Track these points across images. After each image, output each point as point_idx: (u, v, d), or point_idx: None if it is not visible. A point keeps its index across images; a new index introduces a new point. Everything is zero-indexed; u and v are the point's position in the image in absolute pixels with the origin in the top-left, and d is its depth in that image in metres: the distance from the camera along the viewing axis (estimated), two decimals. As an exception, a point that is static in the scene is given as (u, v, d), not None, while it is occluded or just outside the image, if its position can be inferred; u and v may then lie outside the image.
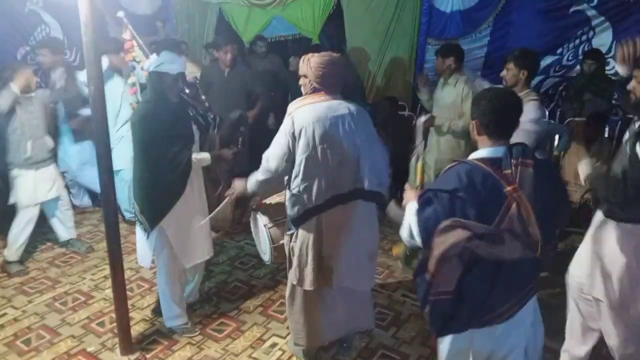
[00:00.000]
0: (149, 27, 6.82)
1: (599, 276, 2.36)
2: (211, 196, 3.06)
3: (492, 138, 1.88)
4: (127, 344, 2.90)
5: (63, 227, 4.20)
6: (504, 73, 3.18)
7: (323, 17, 5.82)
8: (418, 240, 1.85)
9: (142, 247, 3.02)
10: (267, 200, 2.86)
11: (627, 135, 2.28)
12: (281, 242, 2.70)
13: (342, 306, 2.69)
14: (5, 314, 3.34)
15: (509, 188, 1.77)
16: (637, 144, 2.13)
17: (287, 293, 2.70)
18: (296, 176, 2.41)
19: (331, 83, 2.45)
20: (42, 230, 4.67)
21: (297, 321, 2.69)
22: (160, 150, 2.72)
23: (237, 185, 2.74)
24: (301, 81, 2.51)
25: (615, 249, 2.29)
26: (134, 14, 6.99)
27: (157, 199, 2.82)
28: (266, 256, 2.83)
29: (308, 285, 2.51)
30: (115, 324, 2.93)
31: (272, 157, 2.46)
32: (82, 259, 4.12)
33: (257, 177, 2.58)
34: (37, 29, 6.23)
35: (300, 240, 2.49)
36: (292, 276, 2.58)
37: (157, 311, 3.29)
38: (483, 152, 1.89)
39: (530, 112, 2.92)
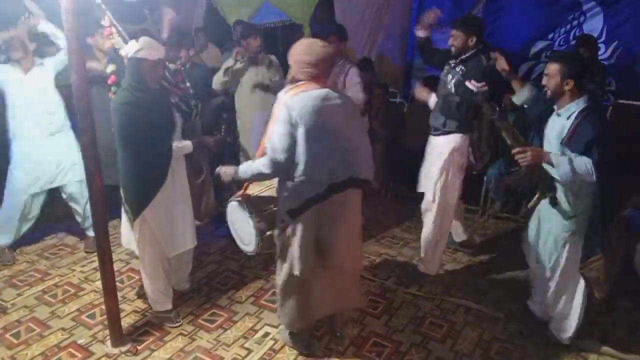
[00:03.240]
0: (137, 14, 6.70)
1: None
2: (193, 184, 3.01)
3: (579, 93, 2.52)
4: (118, 335, 2.88)
5: None
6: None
7: (312, 3, 5.74)
8: (593, 178, 2.38)
9: (127, 229, 3.03)
10: (250, 192, 2.79)
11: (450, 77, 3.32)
12: (268, 233, 2.66)
13: (333, 286, 2.70)
14: (-6, 307, 3.31)
15: None
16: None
17: (279, 282, 2.69)
18: (296, 166, 2.38)
19: (319, 71, 2.42)
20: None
21: (292, 308, 2.68)
22: (140, 138, 2.70)
23: (225, 171, 2.66)
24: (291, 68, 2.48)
25: None
26: (120, 0, 6.86)
27: (139, 188, 2.80)
28: (250, 247, 2.77)
29: (308, 273, 2.52)
30: (105, 316, 2.91)
31: (280, 149, 2.35)
32: (71, 251, 4.08)
33: (259, 168, 2.44)
34: (22, 17, 6.11)
35: (300, 231, 2.46)
36: (288, 266, 2.56)
37: (146, 299, 3.27)
38: (585, 99, 2.51)
39: (354, 76, 3.68)
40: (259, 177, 2.54)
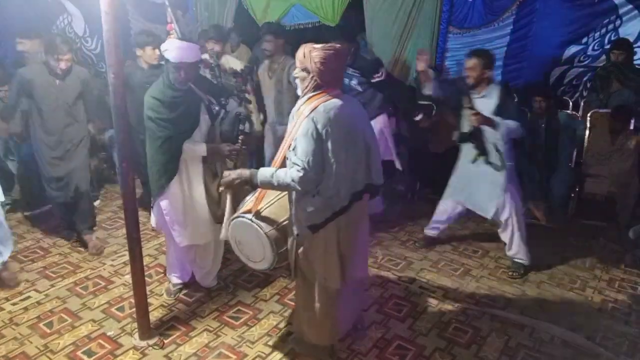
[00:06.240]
0: (165, 15, 6.83)
1: None
2: (210, 186, 3.05)
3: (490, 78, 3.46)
4: (146, 328, 2.95)
5: None
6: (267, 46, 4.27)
7: (343, 5, 5.75)
8: (521, 133, 3.45)
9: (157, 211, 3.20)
10: (259, 207, 2.54)
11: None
12: (284, 248, 2.54)
13: (352, 296, 2.70)
14: (29, 297, 3.42)
15: None
16: None
17: (301, 298, 2.65)
18: (326, 181, 2.29)
19: (337, 78, 2.39)
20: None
21: (320, 322, 2.60)
22: (156, 130, 2.83)
23: (239, 174, 2.46)
24: (299, 74, 2.33)
25: None
26: (152, 2, 6.99)
27: (154, 175, 2.98)
28: (264, 264, 2.60)
29: (335, 283, 2.47)
30: (134, 309, 2.98)
31: (313, 166, 2.22)
32: (102, 246, 4.19)
33: (286, 181, 2.25)
34: (60, 17, 6.31)
35: (323, 243, 2.40)
36: (318, 278, 2.49)
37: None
38: (496, 82, 3.49)
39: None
40: (284, 189, 2.39)
